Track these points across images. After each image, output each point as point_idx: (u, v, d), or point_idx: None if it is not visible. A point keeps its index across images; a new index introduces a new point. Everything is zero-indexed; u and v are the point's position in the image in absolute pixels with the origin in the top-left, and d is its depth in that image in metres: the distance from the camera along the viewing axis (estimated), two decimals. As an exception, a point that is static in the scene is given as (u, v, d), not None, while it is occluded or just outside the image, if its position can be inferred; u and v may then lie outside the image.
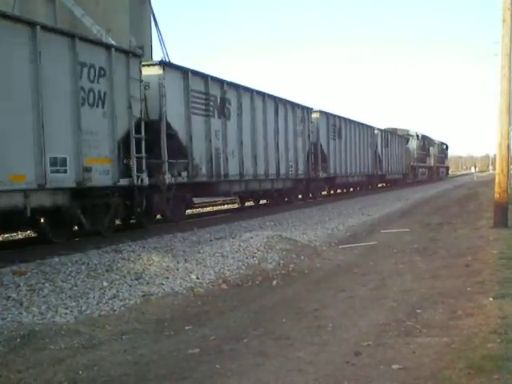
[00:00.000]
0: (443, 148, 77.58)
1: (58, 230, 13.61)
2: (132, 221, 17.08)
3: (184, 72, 18.18)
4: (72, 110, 13.03)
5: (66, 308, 7.99)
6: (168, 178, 16.92)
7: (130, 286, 9.27)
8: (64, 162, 12.79)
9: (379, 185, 47.49)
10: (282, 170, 25.69)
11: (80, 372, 5.57)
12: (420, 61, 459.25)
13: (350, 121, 36.27)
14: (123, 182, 14.87)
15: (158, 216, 18.11)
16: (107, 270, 10.27)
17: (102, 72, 14.04)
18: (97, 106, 13.86)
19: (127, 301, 8.51)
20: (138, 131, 15.34)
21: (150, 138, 15.93)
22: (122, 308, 8.19)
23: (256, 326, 7.15)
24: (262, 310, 8.14)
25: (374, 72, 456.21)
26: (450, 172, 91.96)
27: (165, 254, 11.78)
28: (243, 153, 21.74)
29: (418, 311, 7.45)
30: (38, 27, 11.99)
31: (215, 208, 27.57)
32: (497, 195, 16.20)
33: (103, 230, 14.76)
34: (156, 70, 17.00)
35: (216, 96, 19.95)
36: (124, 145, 14.88)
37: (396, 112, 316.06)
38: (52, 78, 12.40)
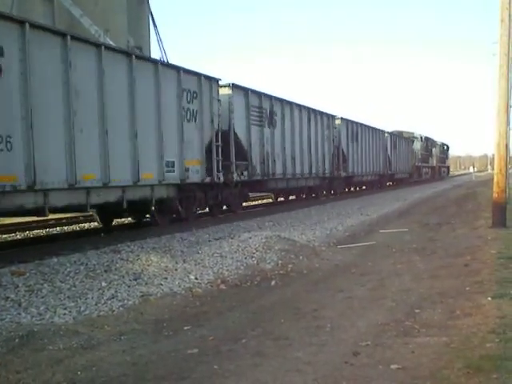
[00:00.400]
0: (444, 149, 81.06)
1: (162, 216, 17.72)
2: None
3: (245, 91, 22.66)
4: (177, 125, 17.50)
5: (65, 308, 7.99)
6: (235, 177, 21.35)
7: (129, 287, 9.26)
8: (173, 164, 17.17)
9: (388, 183, 50.74)
10: (313, 170, 30.02)
11: (79, 372, 5.56)
12: (418, 60, 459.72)
13: (365, 126, 40.16)
14: (207, 179, 19.20)
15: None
16: (106, 271, 10.27)
17: (195, 95, 18.51)
18: (191, 121, 18.32)
19: (126, 301, 8.50)
20: (216, 139, 19.70)
21: (222, 144, 20.16)
22: (121, 308, 8.19)
23: (254, 327, 7.15)
24: (261, 310, 8.13)
25: (374, 71, 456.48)
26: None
27: (163, 254, 11.78)
28: (285, 156, 26.18)
29: (417, 311, 7.45)
30: (159, 65, 16.76)
31: (253, 203, 30.45)
32: (495, 195, 16.19)
33: (192, 217, 18.94)
34: (226, 91, 21.26)
35: (266, 109, 24.36)
36: (207, 150, 19.19)
37: (394, 112, 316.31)
38: (167, 102, 16.89)
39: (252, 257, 11.95)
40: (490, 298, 7.72)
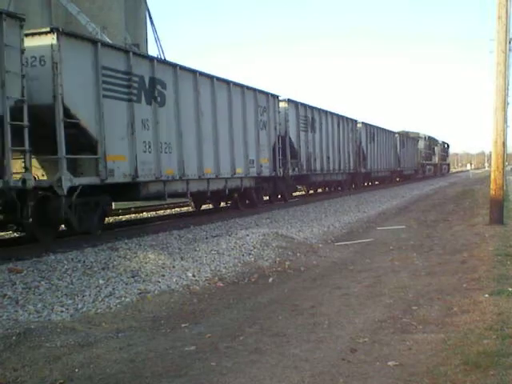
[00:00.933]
0: (445, 147, 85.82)
1: (242, 202, 23.72)
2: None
3: (296, 104, 28.50)
4: (255, 132, 23.24)
5: (62, 306, 7.98)
6: (291, 172, 26.95)
7: (126, 284, 9.25)
8: (253, 162, 22.85)
9: (397, 179, 55.07)
10: (342, 166, 35.42)
11: (76, 370, 5.56)
12: (415, 58, 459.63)
13: (380, 128, 45.74)
14: (273, 173, 24.90)
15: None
16: (103, 268, 10.26)
17: (265, 109, 24.18)
18: (263, 129, 24.01)
19: (123, 298, 8.49)
20: (277, 143, 25.37)
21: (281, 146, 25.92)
22: (118, 306, 8.18)
23: (252, 324, 7.16)
24: (258, 307, 8.14)
25: (372, 68, 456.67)
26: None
27: (161, 251, 11.77)
28: (322, 155, 31.71)
29: (414, 308, 7.47)
30: (245, 88, 22.44)
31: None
32: (492, 192, 16.21)
33: (261, 202, 24.92)
34: (283, 104, 26.94)
35: (309, 117, 30.03)
36: (272, 151, 24.93)
37: (391, 109, 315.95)
38: (249, 116, 22.59)
39: (249, 254, 11.96)
40: (487, 295, 7.73)
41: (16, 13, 12.62)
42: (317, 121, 31.01)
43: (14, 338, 6.47)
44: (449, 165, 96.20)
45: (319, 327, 6.83)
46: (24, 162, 12.07)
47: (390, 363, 5.44)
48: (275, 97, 25.53)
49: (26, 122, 11.76)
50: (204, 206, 24.89)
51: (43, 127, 12.61)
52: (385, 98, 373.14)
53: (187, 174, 17.95)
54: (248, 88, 22.69)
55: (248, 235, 13.36)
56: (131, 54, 15.51)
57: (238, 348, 6.16)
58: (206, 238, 14.15)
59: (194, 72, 18.82)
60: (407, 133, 60.56)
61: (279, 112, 25.93)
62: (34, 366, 5.67)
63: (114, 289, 8.93)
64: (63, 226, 14.72)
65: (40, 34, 13.04)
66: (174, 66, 17.77)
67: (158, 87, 16.74)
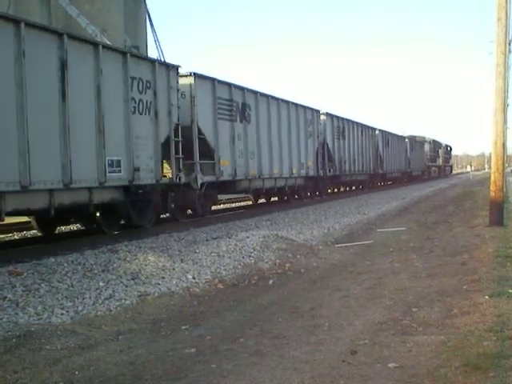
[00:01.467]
0: (448, 150, 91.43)
1: (292, 197, 29.25)
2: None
3: (330, 115, 33.54)
4: (305, 140, 28.68)
5: (62, 308, 7.98)
6: (328, 173, 32.29)
7: (126, 286, 9.25)
8: (303, 164, 28.37)
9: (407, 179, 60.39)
10: (364, 168, 40.79)
11: (76, 372, 5.56)
12: (413, 57, 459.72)
13: (393, 134, 51.71)
14: (315, 174, 30.47)
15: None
16: (103, 270, 10.26)
17: (311, 121, 29.66)
18: (310, 138, 29.48)
19: (123, 301, 8.50)
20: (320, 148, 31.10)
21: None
22: (119, 308, 8.18)
23: (252, 326, 7.16)
24: (258, 309, 8.14)
25: (368, 69, 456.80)
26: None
27: (161, 253, 11.77)
28: (350, 158, 36.88)
29: (414, 310, 7.47)
30: (294, 106, 27.72)
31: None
32: (492, 194, 16.21)
33: (306, 198, 30.11)
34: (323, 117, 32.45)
35: (340, 126, 34.99)
36: (316, 155, 30.34)
37: (389, 109, 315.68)
38: (301, 127, 28.37)
39: (250, 256, 11.96)
40: (487, 297, 7.73)
41: (173, 63, 17.40)
42: (346, 129, 36.21)
43: (14, 340, 6.47)
44: (451, 166, 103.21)
45: (319, 329, 6.83)
46: (178, 165, 17.40)
47: (390, 365, 5.43)
48: (317, 111, 31.35)
49: (180, 138, 17.36)
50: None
51: (184, 141, 17.74)
52: (384, 99, 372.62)
53: (263, 174, 23.96)
54: (300, 106, 28.55)
55: (248, 237, 13.36)
56: (232, 86, 21.43)
57: (238, 350, 6.16)
58: (207, 240, 14.14)
59: (267, 96, 24.76)
60: (414, 137, 65.14)
61: (320, 123, 31.56)
62: (35, 368, 5.66)
63: (114, 291, 8.93)
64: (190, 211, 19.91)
65: (182, 76, 18.21)
66: (255, 92, 23.62)
67: (247, 109, 22.54)
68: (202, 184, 19.28)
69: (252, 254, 12.07)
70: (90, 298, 8.54)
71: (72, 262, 10.99)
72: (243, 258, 11.83)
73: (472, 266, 10.16)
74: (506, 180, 24.88)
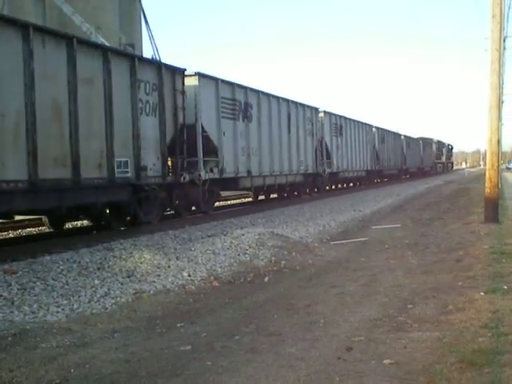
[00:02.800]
0: (450, 148, 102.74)
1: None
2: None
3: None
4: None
5: (58, 306, 7.97)
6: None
7: (122, 284, 9.25)
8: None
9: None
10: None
11: (72, 370, 5.55)
12: (408, 55, 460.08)
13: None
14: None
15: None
16: (98, 268, 10.25)
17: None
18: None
19: (119, 298, 8.50)
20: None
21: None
22: (114, 306, 8.18)
23: (247, 323, 7.16)
24: (254, 306, 8.14)
25: (361, 66, 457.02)
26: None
27: (156, 251, 11.76)
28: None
29: (410, 306, 7.47)
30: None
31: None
32: (487, 190, 16.23)
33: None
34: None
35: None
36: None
37: (384, 107, 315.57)
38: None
39: (245, 253, 11.96)
40: (482, 293, 7.75)
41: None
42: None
43: (9, 338, 6.47)
44: (452, 163, 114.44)
45: (315, 326, 6.83)
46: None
47: (385, 361, 5.44)
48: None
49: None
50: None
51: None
52: (380, 97, 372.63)
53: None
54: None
55: (243, 235, 13.36)
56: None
57: (233, 347, 6.15)
58: (202, 238, 14.13)
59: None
60: (425, 138, 77.07)
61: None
62: (30, 366, 5.66)
63: (109, 289, 8.93)
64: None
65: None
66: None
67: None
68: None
69: (247, 252, 12.07)
70: (85, 295, 8.53)
71: (67, 260, 10.98)
72: (239, 255, 11.83)
73: (467, 263, 10.18)
74: (501, 177, 24.93)
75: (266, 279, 10.08)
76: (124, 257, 11.08)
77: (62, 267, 10.28)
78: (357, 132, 40.53)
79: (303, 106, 29.75)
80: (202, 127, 19.60)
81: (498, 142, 16.52)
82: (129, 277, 9.71)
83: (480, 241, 12.66)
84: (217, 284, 9.73)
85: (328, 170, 33.64)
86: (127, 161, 15.23)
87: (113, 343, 6.47)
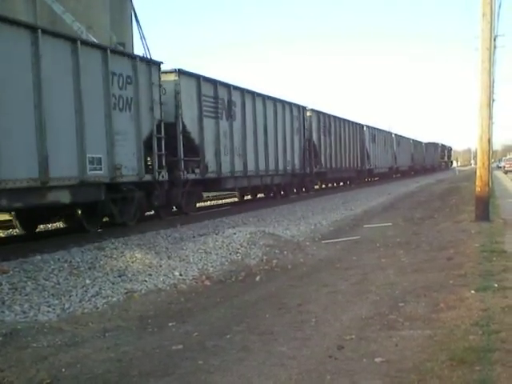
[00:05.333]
0: (449, 150, 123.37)
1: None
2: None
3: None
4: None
5: (49, 306, 7.96)
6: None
7: (113, 284, 9.24)
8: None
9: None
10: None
11: (63, 370, 5.54)
12: (395, 54, 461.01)
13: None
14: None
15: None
16: (90, 268, 10.24)
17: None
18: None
19: (110, 298, 8.49)
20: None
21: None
22: (105, 305, 8.17)
23: (239, 322, 7.16)
24: (245, 305, 8.14)
25: (354, 67, 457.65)
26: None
27: (148, 250, 11.76)
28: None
29: (401, 304, 7.49)
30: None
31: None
32: (478, 189, 16.26)
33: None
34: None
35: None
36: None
37: (375, 106, 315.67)
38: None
39: (237, 252, 11.96)
40: (473, 291, 7.77)
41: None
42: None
43: (0, 338, 6.45)
44: (452, 161, 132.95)
45: (306, 325, 6.84)
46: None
47: (376, 360, 5.45)
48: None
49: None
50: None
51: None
52: (369, 95, 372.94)
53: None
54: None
55: (235, 234, 13.36)
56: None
57: (225, 346, 6.15)
58: (193, 237, 14.14)
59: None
60: (431, 142, 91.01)
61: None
62: (21, 366, 5.64)
63: (100, 288, 8.92)
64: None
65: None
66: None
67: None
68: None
69: (239, 251, 12.07)
70: (76, 295, 8.52)
71: (58, 259, 10.97)
72: (230, 254, 11.83)
73: (458, 261, 10.20)
74: (492, 175, 25.00)
75: (258, 278, 10.09)
76: (115, 256, 11.07)
77: (53, 267, 10.26)
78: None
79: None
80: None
81: (489, 140, 16.57)
82: (120, 276, 9.70)
83: (471, 239, 12.69)
84: (208, 283, 9.73)
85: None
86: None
87: (104, 343, 6.46)
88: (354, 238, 14.85)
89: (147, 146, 16.64)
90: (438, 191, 34.70)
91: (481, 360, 5.19)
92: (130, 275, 9.81)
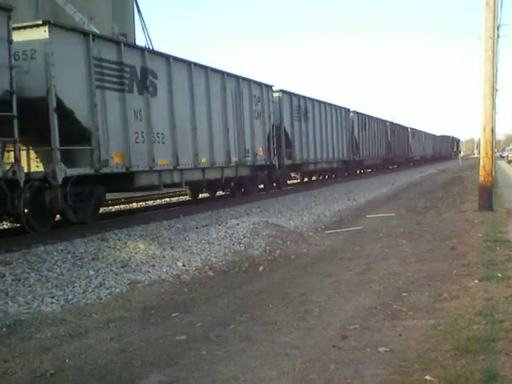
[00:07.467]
0: (458, 141, 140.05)
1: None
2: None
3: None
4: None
5: (52, 297, 7.97)
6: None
7: (116, 274, 9.24)
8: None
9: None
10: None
11: (67, 360, 5.54)
12: (402, 45, 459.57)
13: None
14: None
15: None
16: (93, 259, 10.24)
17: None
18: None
19: (113, 289, 8.49)
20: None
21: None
22: (109, 296, 8.17)
23: (242, 312, 7.15)
24: (249, 296, 8.14)
25: (356, 57, 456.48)
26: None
27: (151, 241, 11.76)
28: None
29: (404, 294, 7.48)
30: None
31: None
32: (481, 178, 16.24)
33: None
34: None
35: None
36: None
37: (377, 97, 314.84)
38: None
39: (240, 243, 11.95)
40: (476, 281, 7.76)
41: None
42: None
43: (4, 329, 6.46)
44: (460, 151, 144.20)
45: (310, 315, 6.83)
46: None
47: (380, 349, 5.44)
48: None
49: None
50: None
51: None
52: (371, 86, 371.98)
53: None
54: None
55: (238, 224, 13.35)
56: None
57: (228, 336, 6.15)
58: (196, 228, 14.13)
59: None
60: (444, 136, 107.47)
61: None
62: (25, 357, 5.65)
63: (104, 279, 8.92)
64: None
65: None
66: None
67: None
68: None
69: (242, 241, 12.06)
70: (79, 286, 8.53)
71: (62, 250, 10.97)
72: (233, 245, 11.82)
73: (461, 251, 10.18)
74: (495, 165, 24.89)
75: (261, 268, 10.08)
76: (118, 247, 11.08)
77: (56, 258, 10.27)
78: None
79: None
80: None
81: (492, 130, 16.51)
82: (123, 267, 9.70)
83: (474, 229, 12.67)
84: (211, 274, 9.73)
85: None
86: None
87: (108, 333, 6.46)
88: (357, 228, 14.83)
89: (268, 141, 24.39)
90: (440, 181, 34.62)
91: (484, 349, 5.18)
92: (133, 266, 9.81)
